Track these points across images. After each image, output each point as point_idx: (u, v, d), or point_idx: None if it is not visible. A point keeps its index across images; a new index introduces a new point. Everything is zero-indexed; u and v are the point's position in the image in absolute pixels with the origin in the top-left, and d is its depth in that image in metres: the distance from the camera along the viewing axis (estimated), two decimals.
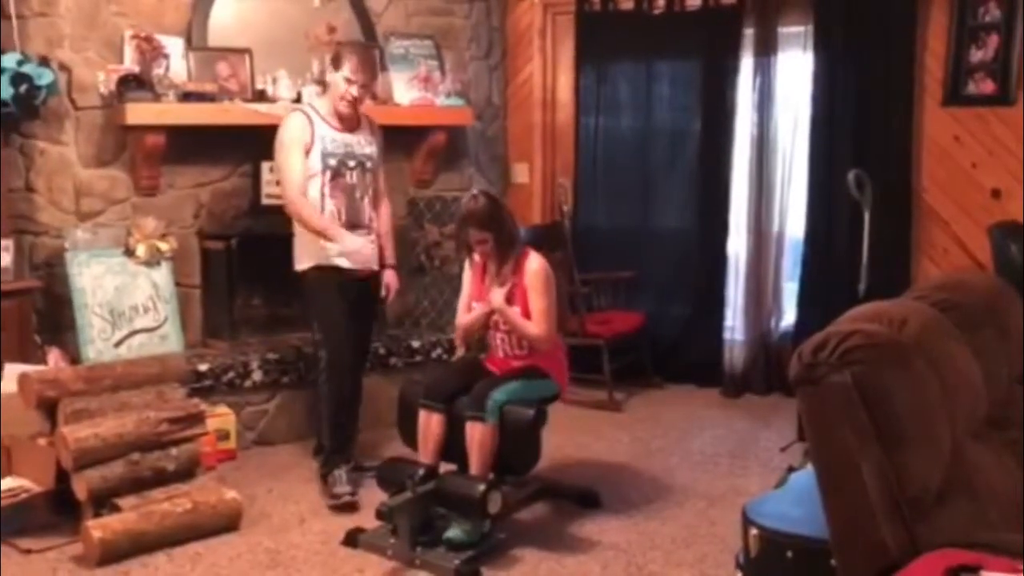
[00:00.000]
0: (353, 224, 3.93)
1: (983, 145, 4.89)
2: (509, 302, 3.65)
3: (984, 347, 2.30)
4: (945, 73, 4.92)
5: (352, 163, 3.94)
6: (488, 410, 3.49)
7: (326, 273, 3.91)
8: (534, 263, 3.67)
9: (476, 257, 3.75)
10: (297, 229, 3.96)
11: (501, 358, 3.77)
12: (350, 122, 3.95)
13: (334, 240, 3.83)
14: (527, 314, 3.63)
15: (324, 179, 3.88)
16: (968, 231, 4.94)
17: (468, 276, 3.83)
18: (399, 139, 4.91)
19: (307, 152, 3.85)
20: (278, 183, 4.12)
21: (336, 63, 3.85)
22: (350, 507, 3.77)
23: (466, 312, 3.80)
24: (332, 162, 3.89)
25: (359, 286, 3.99)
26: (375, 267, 4.04)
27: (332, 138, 3.90)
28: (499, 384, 3.57)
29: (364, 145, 4.00)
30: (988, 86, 4.85)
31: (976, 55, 4.85)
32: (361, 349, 4.18)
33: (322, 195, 3.89)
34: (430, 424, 3.61)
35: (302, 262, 3.98)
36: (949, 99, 4.93)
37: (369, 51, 3.94)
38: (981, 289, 2.59)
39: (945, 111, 4.95)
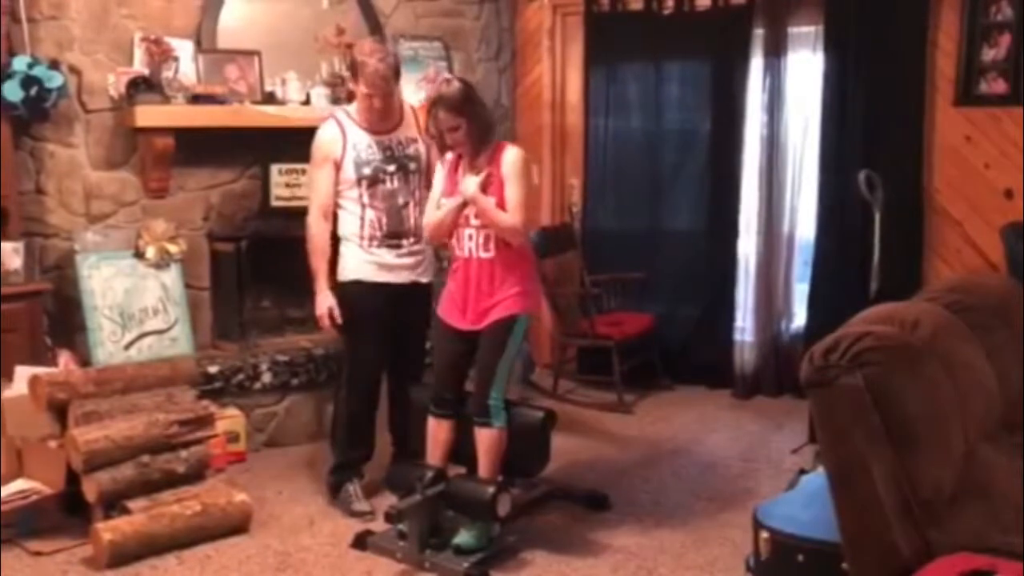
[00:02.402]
0: (396, 234, 3.79)
1: (995, 145, 4.86)
2: (483, 192, 3.42)
3: (997, 349, 2.29)
4: (957, 73, 4.88)
5: (392, 167, 3.79)
6: (492, 415, 3.46)
7: (367, 288, 3.78)
8: (511, 152, 3.47)
9: (449, 154, 3.54)
10: (340, 238, 3.83)
11: (465, 259, 3.49)
12: (388, 122, 3.81)
13: (313, 277, 3.77)
14: (502, 207, 3.42)
15: (361, 189, 3.76)
16: (980, 232, 4.91)
17: (440, 173, 3.60)
18: None
19: (339, 165, 3.75)
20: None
21: (354, 75, 3.74)
22: (370, 521, 3.74)
23: (436, 210, 3.57)
24: (367, 171, 3.75)
25: (404, 298, 3.82)
26: (422, 280, 3.89)
27: (367, 144, 3.76)
28: (489, 377, 3.46)
29: (406, 145, 3.83)
30: (1000, 86, 4.82)
31: (988, 54, 4.82)
32: (409, 361, 3.99)
33: (361, 205, 3.76)
34: (439, 430, 3.59)
35: (345, 273, 3.82)
36: (961, 99, 4.90)
37: (384, 53, 3.72)
38: (994, 290, 2.58)
39: (957, 111, 4.92)
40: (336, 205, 3.82)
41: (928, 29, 4.90)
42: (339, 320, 3.77)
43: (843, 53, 5.08)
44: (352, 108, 3.87)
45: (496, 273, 3.46)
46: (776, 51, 5.23)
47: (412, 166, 3.84)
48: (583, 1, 5.65)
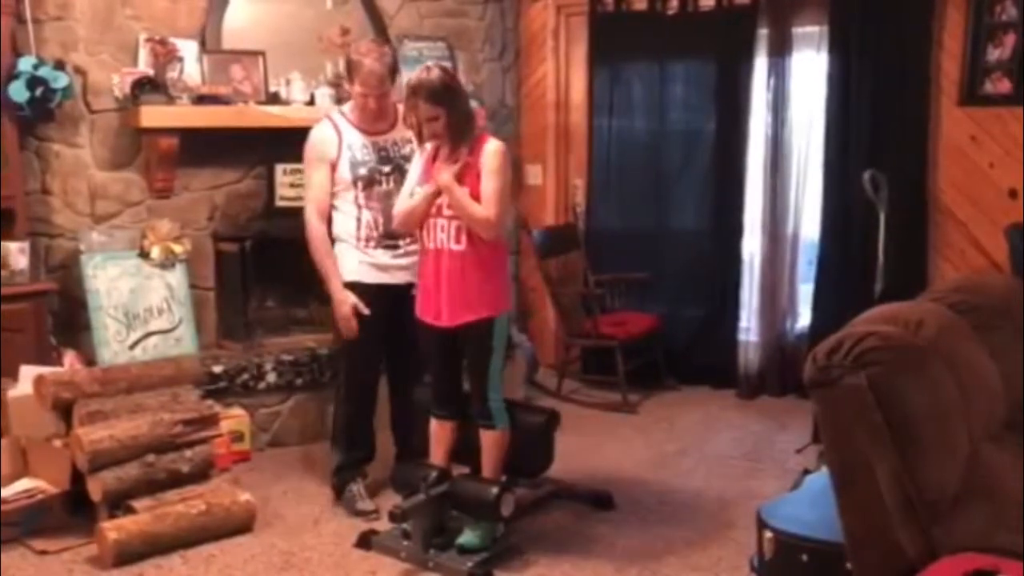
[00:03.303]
0: (392, 235, 3.75)
1: (1000, 145, 4.85)
2: (458, 183, 3.31)
3: (1001, 349, 2.28)
4: (961, 72, 4.88)
5: (387, 168, 3.77)
6: (494, 417, 3.46)
7: (364, 290, 3.74)
8: (491, 145, 3.36)
9: (428, 146, 3.42)
10: (335, 239, 3.80)
11: (435, 250, 3.39)
12: (383, 123, 3.80)
13: (326, 280, 3.75)
14: (477, 199, 3.30)
15: (357, 190, 3.74)
16: (985, 232, 4.90)
17: (418, 162, 3.50)
18: None
19: (335, 165, 3.73)
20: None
21: (349, 75, 3.72)
22: (374, 520, 3.74)
23: (408, 199, 3.46)
24: (363, 171, 3.73)
25: (401, 298, 3.76)
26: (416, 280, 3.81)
27: (362, 145, 3.74)
28: (482, 381, 3.43)
29: (401, 146, 3.81)
30: (1005, 85, 4.81)
31: (993, 54, 4.81)
32: (408, 361, 3.95)
33: (357, 206, 3.75)
34: (441, 431, 3.59)
35: (341, 275, 3.77)
36: (966, 99, 4.89)
37: (379, 53, 3.70)
38: (998, 290, 2.57)
39: (962, 111, 4.91)
40: (331, 207, 3.79)
41: (933, 29, 4.89)
42: (365, 312, 3.71)
43: (847, 53, 5.07)
44: (347, 108, 3.86)
45: (467, 268, 3.35)
46: (780, 51, 5.23)
47: (407, 167, 3.77)
48: (587, 1, 5.65)
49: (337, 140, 3.75)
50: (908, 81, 4.95)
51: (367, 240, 3.77)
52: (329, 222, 3.80)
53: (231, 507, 3.63)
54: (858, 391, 1.94)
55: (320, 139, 3.77)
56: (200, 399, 3.89)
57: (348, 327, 3.74)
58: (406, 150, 3.81)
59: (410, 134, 3.79)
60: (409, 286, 3.79)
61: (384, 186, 3.77)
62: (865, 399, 1.93)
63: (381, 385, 4.00)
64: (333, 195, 3.78)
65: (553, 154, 5.94)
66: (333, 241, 3.82)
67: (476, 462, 3.56)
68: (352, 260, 3.78)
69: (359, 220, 3.76)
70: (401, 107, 3.84)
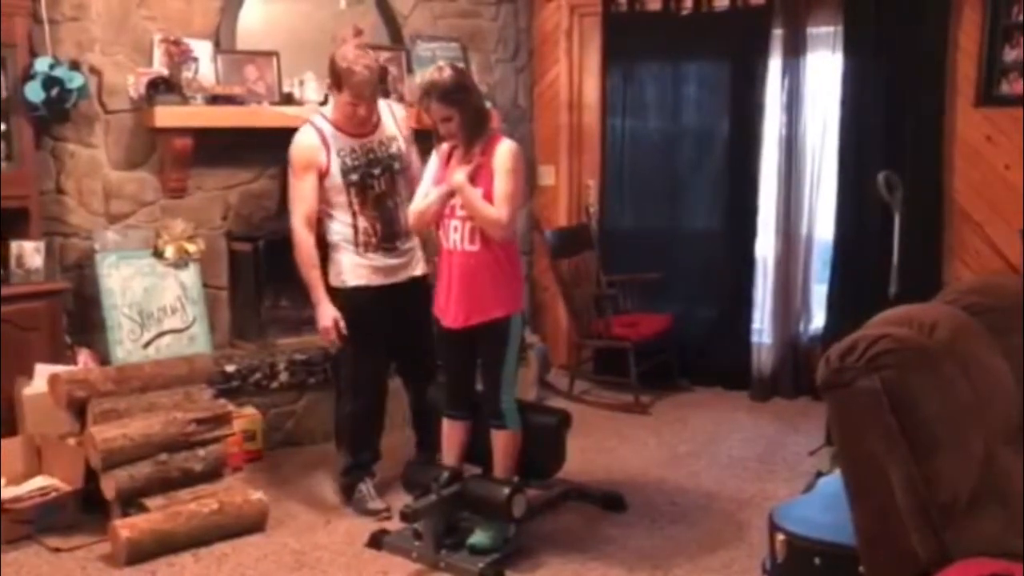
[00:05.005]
0: (392, 236, 3.76)
1: (1016, 146, 4.81)
2: (472, 183, 3.31)
3: (1016, 351, 2.26)
4: (978, 73, 4.85)
5: (378, 169, 3.75)
6: (506, 417, 3.46)
7: (369, 293, 3.74)
8: (505, 145, 3.36)
9: (444, 146, 3.42)
10: (332, 244, 3.79)
11: (448, 251, 3.40)
12: (367, 125, 3.76)
13: (310, 291, 3.73)
14: (489, 199, 3.30)
15: (351, 196, 3.71)
16: (1001, 233, 4.87)
17: (433, 163, 3.50)
18: (425, 142, 4.89)
19: (325, 173, 3.68)
20: None
21: (337, 83, 3.63)
22: (385, 520, 3.74)
23: (423, 199, 3.47)
24: (355, 177, 3.70)
25: (404, 295, 3.78)
26: (416, 272, 3.85)
27: (351, 149, 3.71)
28: (495, 382, 3.44)
29: (387, 145, 3.80)
30: (1021, 86, 4.78)
31: (1010, 55, 4.78)
32: (421, 357, 3.94)
33: (352, 214, 3.72)
34: (453, 431, 3.60)
35: (343, 280, 3.77)
36: (982, 99, 4.86)
37: (368, 59, 3.62)
38: (1013, 292, 2.55)
39: (977, 111, 4.88)
40: (324, 213, 3.76)
41: (949, 29, 4.86)
42: (344, 331, 3.72)
43: (862, 53, 5.05)
44: (328, 111, 3.83)
45: (481, 268, 3.35)
46: (795, 51, 5.21)
47: (396, 166, 3.79)
48: (600, 1, 5.64)
49: (325, 147, 3.70)
50: (924, 81, 4.93)
51: (366, 245, 3.75)
52: (320, 226, 3.77)
53: (243, 506, 3.65)
54: (871, 393, 1.93)
55: (307, 146, 3.71)
56: (213, 398, 3.90)
57: (328, 339, 3.76)
58: (393, 148, 3.80)
59: (395, 132, 3.82)
60: (411, 281, 3.81)
61: (377, 189, 3.75)
62: (878, 401, 1.92)
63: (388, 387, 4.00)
64: (326, 202, 3.74)
65: (566, 154, 5.94)
66: (326, 247, 3.79)
67: (488, 462, 3.56)
68: (353, 264, 3.76)
69: (356, 227, 3.74)
70: (384, 106, 3.86)
